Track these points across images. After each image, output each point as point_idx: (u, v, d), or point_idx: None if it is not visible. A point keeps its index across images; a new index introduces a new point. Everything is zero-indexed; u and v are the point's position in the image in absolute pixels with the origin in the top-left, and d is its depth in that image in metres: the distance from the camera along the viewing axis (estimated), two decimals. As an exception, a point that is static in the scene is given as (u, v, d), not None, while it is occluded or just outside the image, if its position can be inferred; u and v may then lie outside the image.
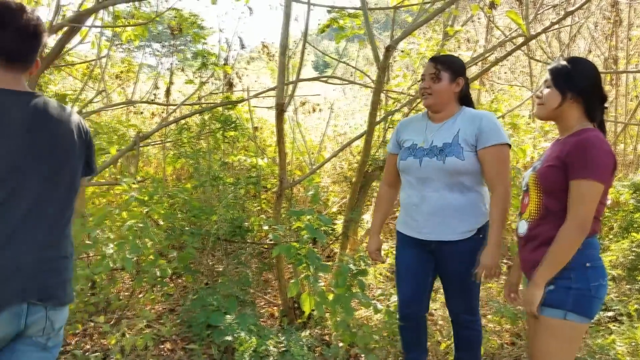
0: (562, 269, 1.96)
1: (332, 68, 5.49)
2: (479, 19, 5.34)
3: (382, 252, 3.08)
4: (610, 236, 4.43)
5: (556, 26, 3.33)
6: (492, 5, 3.94)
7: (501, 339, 3.57)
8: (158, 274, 3.34)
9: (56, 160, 1.65)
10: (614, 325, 3.45)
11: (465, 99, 2.63)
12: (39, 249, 1.60)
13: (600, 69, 6.29)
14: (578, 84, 2.03)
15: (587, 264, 1.96)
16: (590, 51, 6.53)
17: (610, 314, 3.65)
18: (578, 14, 5.75)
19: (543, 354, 2.02)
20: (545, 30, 3.47)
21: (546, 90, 2.09)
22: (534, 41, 6.68)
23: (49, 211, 1.63)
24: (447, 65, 2.54)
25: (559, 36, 6.32)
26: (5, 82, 1.60)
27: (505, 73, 6.71)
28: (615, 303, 3.68)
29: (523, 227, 2.13)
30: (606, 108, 2.12)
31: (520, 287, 2.41)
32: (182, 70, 5.38)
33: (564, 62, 2.08)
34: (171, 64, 5.24)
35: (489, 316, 3.75)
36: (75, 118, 1.75)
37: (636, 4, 6.03)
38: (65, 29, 3.44)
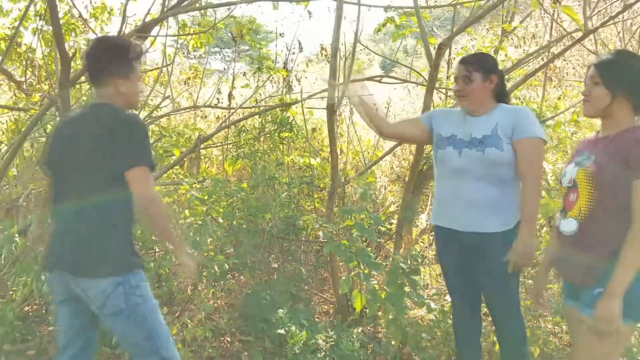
0: (609, 272, 1.87)
1: (399, 67, 5.49)
2: (545, 13, 5.17)
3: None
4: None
5: (617, 19, 3.19)
6: (556, 0, 3.84)
7: (560, 341, 3.47)
8: (217, 269, 3.50)
9: (82, 155, 2.03)
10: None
11: (501, 95, 2.62)
12: (75, 227, 2.02)
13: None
14: (629, 81, 1.94)
15: None
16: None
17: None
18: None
19: (587, 356, 1.96)
20: (603, 25, 3.34)
21: (595, 88, 1.99)
22: (606, 36, 6.41)
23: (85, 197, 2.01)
24: (477, 65, 2.54)
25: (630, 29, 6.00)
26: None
27: (574, 68, 6.45)
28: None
29: (571, 225, 2.04)
30: None
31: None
32: (244, 74, 5.56)
33: (612, 57, 1.99)
34: (233, 68, 5.43)
35: (549, 317, 3.64)
36: (104, 117, 2.04)
37: None
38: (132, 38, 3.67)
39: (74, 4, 5.10)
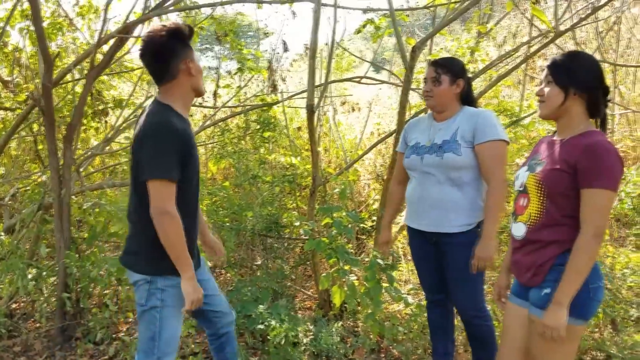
0: (559, 272, 1.91)
1: (389, 64, 5.54)
2: (522, 14, 5.28)
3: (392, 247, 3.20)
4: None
5: (587, 22, 3.29)
6: (534, 2, 3.93)
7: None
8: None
9: (133, 157, 2.09)
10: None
11: (467, 99, 2.72)
12: (129, 225, 2.20)
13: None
14: (580, 78, 1.94)
15: None
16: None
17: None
18: (629, 3, 5.58)
19: (542, 356, 2.00)
20: (574, 26, 3.44)
21: (547, 88, 2.00)
22: (587, 35, 6.53)
23: (131, 198, 2.16)
24: (446, 69, 2.65)
25: (613, 29, 6.13)
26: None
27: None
28: (656, 301, 3.61)
29: (520, 230, 2.07)
30: (609, 101, 2.03)
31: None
32: (229, 73, 5.63)
33: (563, 57, 2.00)
34: (219, 67, 5.49)
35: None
36: (140, 123, 2.07)
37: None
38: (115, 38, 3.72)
39: (59, 4, 5.14)
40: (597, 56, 5.03)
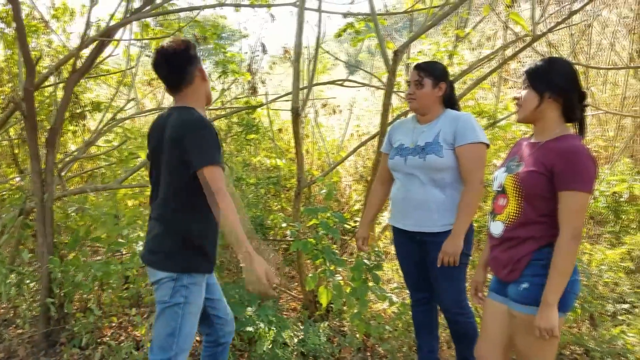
0: (536, 267, 2.01)
1: (364, 66, 5.60)
2: (498, 17, 5.40)
3: (370, 243, 3.29)
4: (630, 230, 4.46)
5: (562, 25, 3.40)
6: (509, 6, 4.05)
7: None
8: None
9: (167, 155, 2.19)
10: (625, 317, 3.52)
11: (450, 101, 2.81)
12: (151, 223, 2.27)
13: (625, 63, 6.27)
14: (555, 82, 2.02)
15: None
16: (613, 45, 6.49)
17: (625, 306, 3.71)
18: (599, 6, 5.75)
19: (529, 351, 2.07)
20: (550, 30, 3.55)
21: (524, 92, 2.08)
22: (560, 38, 6.70)
23: (159, 197, 2.24)
24: (429, 72, 2.73)
25: (585, 32, 6.31)
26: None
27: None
28: (630, 295, 3.74)
29: (498, 228, 2.15)
30: (586, 106, 2.11)
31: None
32: (210, 75, 5.62)
33: (540, 62, 2.09)
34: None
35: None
36: (172, 123, 2.19)
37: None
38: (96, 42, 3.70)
39: (35, 5, 5.08)
40: (571, 58, 5.18)
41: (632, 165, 4.82)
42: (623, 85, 6.37)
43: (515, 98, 2.15)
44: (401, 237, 2.89)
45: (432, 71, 2.73)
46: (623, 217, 4.49)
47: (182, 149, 2.11)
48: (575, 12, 3.37)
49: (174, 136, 2.14)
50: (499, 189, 2.18)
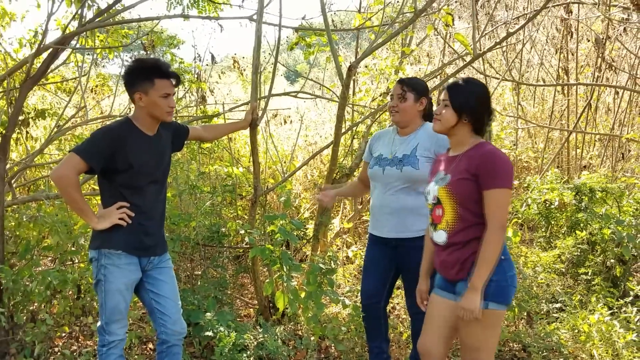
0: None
1: (303, 78, 5.77)
2: (437, 36, 5.72)
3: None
4: (560, 234, 4.84)
5: (500, 45, 3.70)
6: (447, 25, 4.33)
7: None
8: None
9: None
10: (559, 315, 3.83)
11: (429, 116, 2.99)
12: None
13: (553, 80, 6.77)
14: (471, 105, 2.32)
15: (503, 257, 2.26)
16: (542, 63, 7.00)
17: (557, 305, 4.03)
18: (530, 27, 6.19)
19: (473, 341, 2.31)
20: (490, 49, 3.86)
21: (445, 109, 2.35)
22: (492, 55, 7.14)
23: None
24: (412, 87, 2.92)
25: (515, 51, 6.76)
26: None
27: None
28: (561, 295, 4.07)
29: (441, 236, 2.38)
30: (491, 121, 2.42)
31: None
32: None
33: (461, 83, 2.38)
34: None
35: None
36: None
37: (585, 19, 6.48)
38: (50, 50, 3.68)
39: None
40: (506, 75, 5.56)
41: (561, 175, 5.23)
42: (551, 100, 6.88)
43: (436, 113, 2.41)
44: (378, 243, 3.06)
45: (415, 86, 2.92)
46: (553, 223, 4.86)
47: None
48: (512, 34, 3.68)
49: None
50: (434, 202, 2.42)
